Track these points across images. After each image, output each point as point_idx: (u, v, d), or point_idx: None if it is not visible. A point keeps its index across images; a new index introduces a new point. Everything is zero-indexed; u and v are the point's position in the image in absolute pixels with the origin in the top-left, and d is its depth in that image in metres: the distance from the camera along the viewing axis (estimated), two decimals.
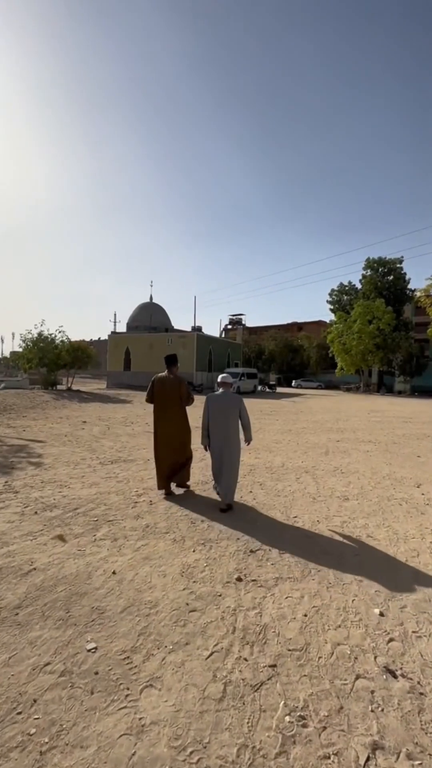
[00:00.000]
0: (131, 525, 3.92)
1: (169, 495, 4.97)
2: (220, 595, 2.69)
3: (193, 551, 3.37)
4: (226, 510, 4.43)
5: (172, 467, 5.03)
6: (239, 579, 2.92)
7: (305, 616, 2.48)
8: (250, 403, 20.71)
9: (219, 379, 4.83)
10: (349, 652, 2.16)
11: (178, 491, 5.20)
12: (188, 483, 5.28)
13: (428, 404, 24.25)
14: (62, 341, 24.60)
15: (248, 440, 4.79)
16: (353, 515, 4.44)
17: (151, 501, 4.69)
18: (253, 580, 2.91)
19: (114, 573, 2.93)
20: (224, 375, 4.86)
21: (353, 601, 2.67)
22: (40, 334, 24.32)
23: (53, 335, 24.52)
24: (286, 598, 2.69)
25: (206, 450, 4.78)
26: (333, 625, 2.40)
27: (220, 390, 4.75)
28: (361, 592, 2.78)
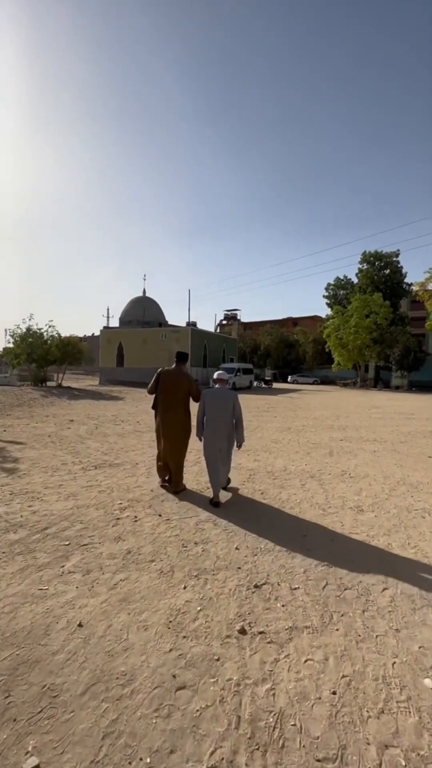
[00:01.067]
0: (110, 551, 3.24)
1: (166, 485, 5.04)
2: (218, 659, 2.03)
3: (184, 588, 2.71)
4: (227, 487, 4.90)
5: (169, 466, 5.01)
6: (242, 631, 2.26)
7: (334, 693, 1.83)
8: (246, 400, 20.11)
9: (215, 376, 4.98)
10: (404, 764, 1.51)
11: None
12: (183, 486, 5.06)
13: (428, 399, 23.77)
14: (52, 336, 23.73)
15: (239, 443, 4.73)
16: (372, 532, 3.80)
17: (136, 517, 4.01)
18: (260, 632, 2.26)
19: (80, 625, 2.26)
20: (220, 372, 5.01)
21: (394, 664, 2.03)
22: (28, 329, 23.44)
23: (42, 330, 23.65)
24: (306, 661, 2.04)
25: (200, 440, 4.81)
26: (374, 709, 1.75)
27: (217, 386, 4.88)
28: (401, 650, 2.14)
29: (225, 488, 4.86)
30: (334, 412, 15.25)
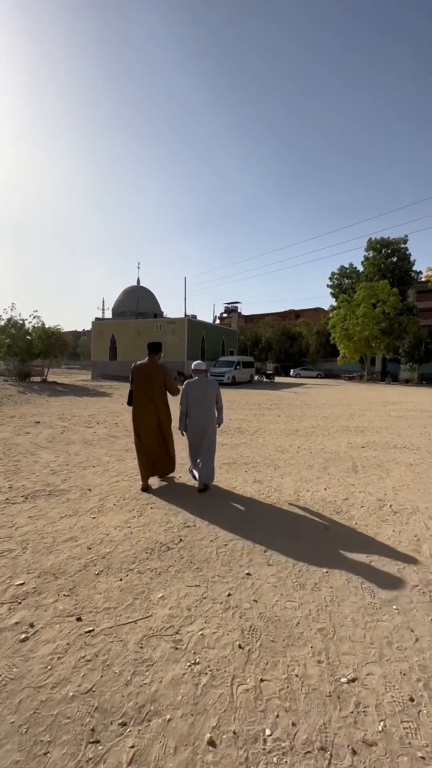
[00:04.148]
0: None
1: (147, 489, 4.60)
2: None
3: None
4: (204, 490, 4.57)
5: (153, 461, 4.81)
6: None
7: None
8: (247, 395, 18.21)
9: (193, 366, 4.86)
10: None
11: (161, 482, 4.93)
12: (173, 475, 5.10)
13: None
14: (34, 327, 21.79)
15: (219, 422, 4.85)
16: None
17: (31, 626, 2.15)
18: None
19: None
20: (198, 362, 4.89)
21: None
22: (9, 320, 21.52)
23: (25, 321, 21.69)
24: None
25: (183, 434, 4.84)
26: None
27: (196, 377, 4.76)
28: None
29: (207, 487, 4.66)
30: (346, 410, 13.37)
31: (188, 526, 3.57)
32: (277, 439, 7.95)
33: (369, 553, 3.11)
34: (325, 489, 4.78)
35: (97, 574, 2.71)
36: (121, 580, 2.64)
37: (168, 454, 4.91)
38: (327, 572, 2.80)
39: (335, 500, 4.37)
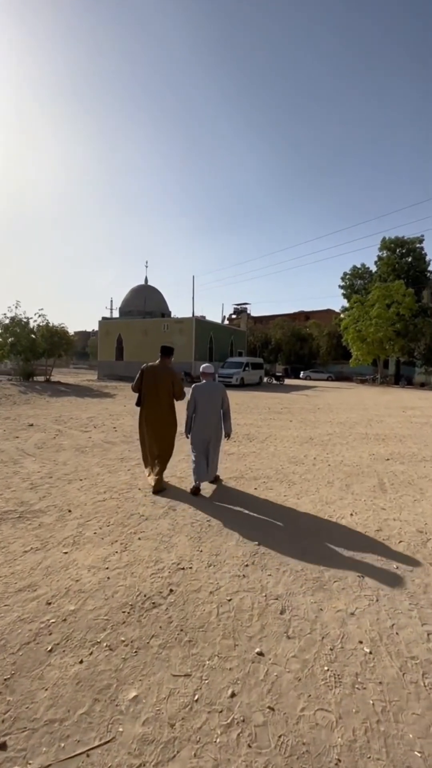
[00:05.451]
0: None
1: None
2: None
3: None
4: (215, 481, 4.78)
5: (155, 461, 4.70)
6: None
7: None
8: (256, 398, 17.36)
9: (201, 369, 4.79)
10: None
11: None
12: (164, 486, 4.59)
13: None
14: (39, 326, 21.23)
15: (228, 434, 4.69)
16: None
17: None
18: None
19: None
20: (206, 365, 4.77)
21: None
22: (13, 319, 21.00)
23: (30, 319, 21.13)
24: None
25: (187, 437, 4.67)
26: None
27: (203, 381, 4.67)
28: None
29: (213, 481, 4.79)
30: (363, 415, 12.47)
31: (182, 568, 2.79)
32: (290, 448, 7.15)
33: (423, 621, 2.30)
34: (352, 515, 3.97)
35: (50, 650, 1.95)
36: (81, 662, 1.88)
37: (164, 464, 4.74)
38: (371, 654, 2.00)
39: (366, 531, 3.56)
